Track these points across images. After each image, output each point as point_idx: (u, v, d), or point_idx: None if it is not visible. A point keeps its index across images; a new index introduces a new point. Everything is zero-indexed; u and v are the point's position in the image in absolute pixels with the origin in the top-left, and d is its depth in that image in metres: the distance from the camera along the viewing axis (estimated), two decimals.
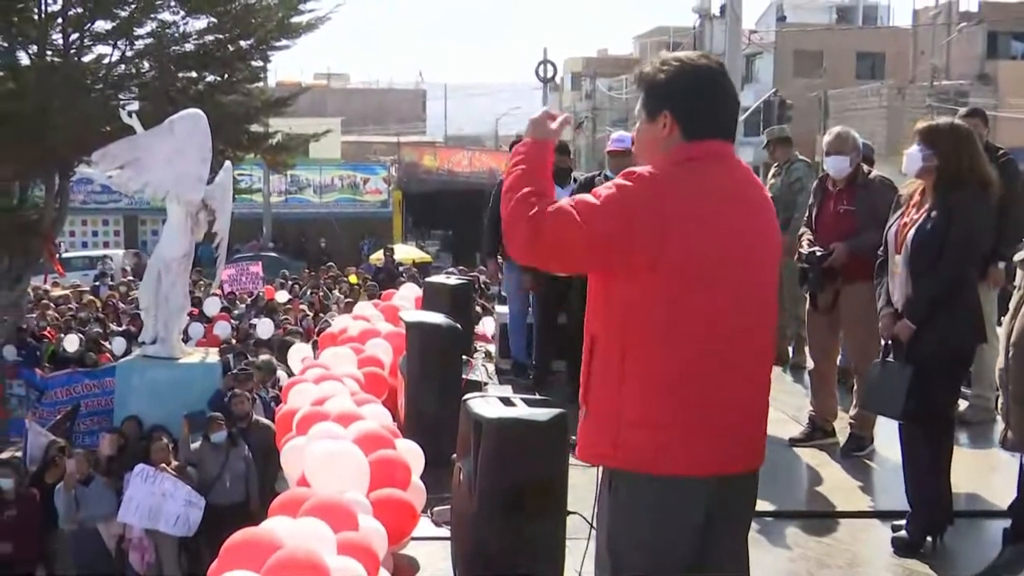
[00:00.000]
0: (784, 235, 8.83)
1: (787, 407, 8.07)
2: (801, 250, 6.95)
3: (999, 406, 4.92)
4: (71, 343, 14.80)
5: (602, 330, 3.16)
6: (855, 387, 7.02)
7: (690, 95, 3.18)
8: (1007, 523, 5.26)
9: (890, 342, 5.39)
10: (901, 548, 5.36)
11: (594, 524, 3.43)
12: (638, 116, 3.27)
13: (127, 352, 13.85)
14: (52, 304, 20.01)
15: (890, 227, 5.51)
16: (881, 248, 5.60)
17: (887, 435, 6.41)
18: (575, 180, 8.77)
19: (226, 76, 20.20)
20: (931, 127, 5.39)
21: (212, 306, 16.93)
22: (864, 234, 6.52)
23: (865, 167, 6.97)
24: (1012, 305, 4.61)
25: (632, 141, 3.58)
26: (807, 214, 7.21)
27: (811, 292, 7.03)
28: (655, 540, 3.11)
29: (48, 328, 17.44)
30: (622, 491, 3.15)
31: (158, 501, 9.47)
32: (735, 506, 3.23)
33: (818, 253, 6.79)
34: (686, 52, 3.41)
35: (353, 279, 23.64)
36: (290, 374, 10.86)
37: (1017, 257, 4.02)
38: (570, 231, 3.05)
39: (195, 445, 10.31)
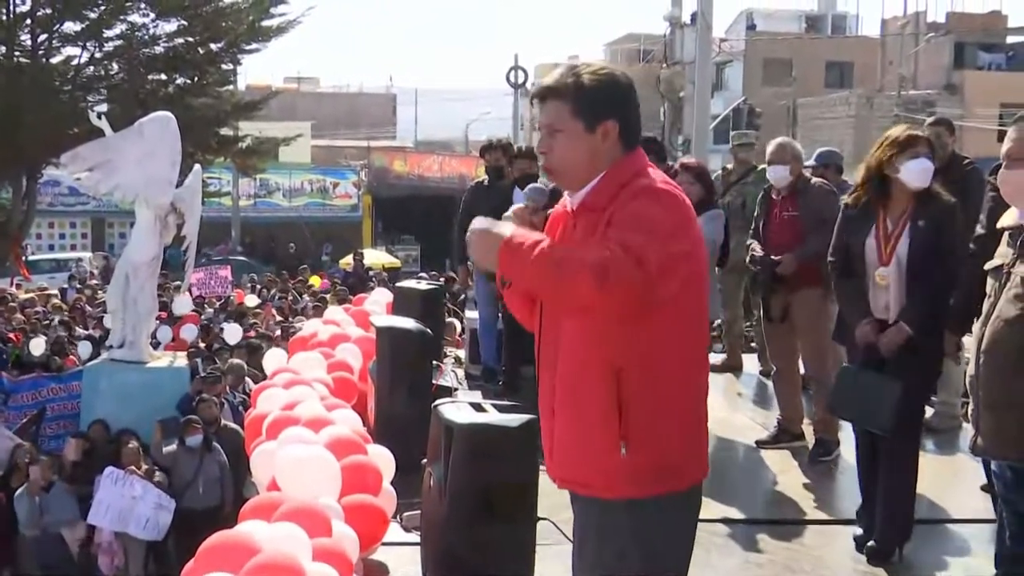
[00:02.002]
0: None
1: (756, 414, 8.12)
2: (754, 253, 7.00)
3: (968, 412, 4.96)
4: (37, 347, 14.61)
5: (628, 359, 2.96)
6: (814, 392, 7.07)
7: (630, 105, 3.13)
8: (970, 529, 5.32)
9: (869, 350, 5.32)
10: (873, 557, 5.33)
11: (573, 539, 3.37)
12: (557, 126, 3.06)
13: (93, 357, 13.72)
14: (19, 307, 19.77)
15: (862, 241, 5.33)
16: (833, 257, 5.54)
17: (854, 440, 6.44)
18: None
19: (196, 79, 20.13)
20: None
21: (182, 305, 16.69)
22: (810, 239, 6.63)
23: (807, 174, 7.09)
24: (983, 311, 4.64)
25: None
26: (754, 224, 7.25)
27: (764, 300, 7.08)
28: (686, 551, 3.18)
29: (14, 332, 17.23)
30: (652, 512, 3.02)
31: (128, 504, 9.43)
32: None
33: (771, 258, 6.86)
34: (594, 63, 3.20)
35: (316, 281, 23.47)
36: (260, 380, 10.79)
37: (989, 265, 4.06)
38: (671, 260, 2.88)
39: (169, 449, 10.25)
